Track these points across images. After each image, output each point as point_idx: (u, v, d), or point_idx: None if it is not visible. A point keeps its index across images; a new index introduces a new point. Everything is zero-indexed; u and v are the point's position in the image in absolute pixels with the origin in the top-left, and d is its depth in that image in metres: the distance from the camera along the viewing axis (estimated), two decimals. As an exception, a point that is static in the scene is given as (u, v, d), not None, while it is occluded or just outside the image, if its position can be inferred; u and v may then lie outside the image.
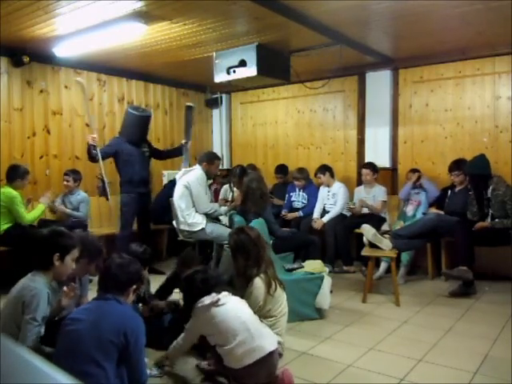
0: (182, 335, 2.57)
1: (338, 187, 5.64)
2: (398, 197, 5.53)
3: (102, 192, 4.82)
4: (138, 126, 5.08)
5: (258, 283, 2.78)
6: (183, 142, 5.34)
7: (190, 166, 5.18)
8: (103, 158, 4.85)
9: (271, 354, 2.38)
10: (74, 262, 2.55)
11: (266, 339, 2.42)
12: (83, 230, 4.19)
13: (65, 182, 5.09)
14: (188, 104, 5.42)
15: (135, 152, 5.06)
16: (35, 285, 2.35)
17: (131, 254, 3.20)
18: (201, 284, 2.51)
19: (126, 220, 5.04)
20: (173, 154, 5.62)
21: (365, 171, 5.46)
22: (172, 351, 2.64)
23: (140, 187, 5.09)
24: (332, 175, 5.72)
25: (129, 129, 5.05)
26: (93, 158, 4.80)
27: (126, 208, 5.03)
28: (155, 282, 3.63)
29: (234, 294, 2.61)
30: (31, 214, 4.59)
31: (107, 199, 4.84)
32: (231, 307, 2.45)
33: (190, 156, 5.90)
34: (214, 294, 2.47)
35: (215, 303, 2.42)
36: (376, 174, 5.47)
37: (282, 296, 2.90)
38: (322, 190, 5.74)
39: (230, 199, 5.23)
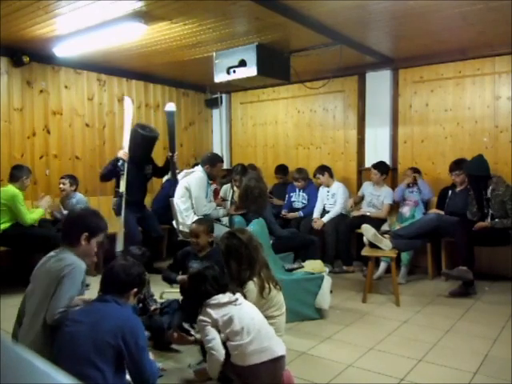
0: (207, 347, 2.38)
1: (337, 187, 5.64)
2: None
3: (118, 207, 4.68)
4: (143, 146, 4.91)
5: (250, 286, 2.75)
6: (169, 155, 5.03)
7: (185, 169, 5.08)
8: (111, 177, 4.81)
9: (280, 358, 2.37)
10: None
11: (276, 343, 2.42)
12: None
13: (61, 186, 5.07)
14: (168, 109, 5.02)
15: (137, 174, 4.94)
16: (72, 260, 2.33)
17: (130, 256, 3.19)
18: (212, 281, 2.48)
19: (132, 233, 4.84)
20: (165, 169, 5.31)
21: (373, 171, 5.43)
22: (212, 367, 2.40)
23: (137, 208, 4.99)
24: (331, 175, 5.71)
25: (133, 148, 4.86)
26: (105, 177, 4.83)
27: (128, 224, 4.80)
28: (155, 282, 3.63)
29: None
30: (32, 216, 4.52)
31: (118, 215, 4.71)
32: (246, 308, 2.46)
33: (190, 157, 5.85)
34: (229, 294, 2.45)
35: (233, 302, 2.41)
36: (384, 175, 5.41)
37: (277, 297, 2.85)
38: (322, 191, 5.74)
39: (229, 199, 5.22)
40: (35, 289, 2.40)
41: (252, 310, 2.49)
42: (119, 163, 4.67)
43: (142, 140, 4.90)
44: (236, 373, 2.33)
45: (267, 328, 2.47)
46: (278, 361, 2.37)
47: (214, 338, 2.34)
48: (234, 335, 2.31)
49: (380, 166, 5.45)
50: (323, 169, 5.71)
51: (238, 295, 2.48)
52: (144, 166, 5.05)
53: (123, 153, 4.69)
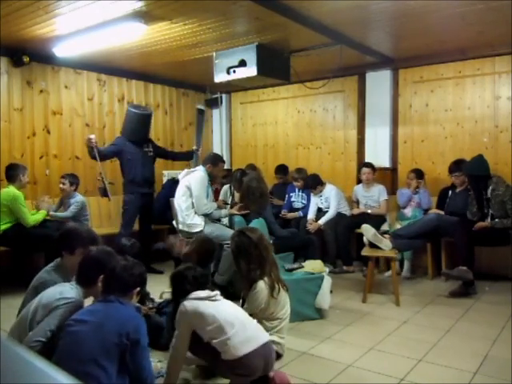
0: (173, 340, 2.46)
1: (329, 190, 5.59)
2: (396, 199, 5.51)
3: (104, 193, 4.83)
4: (139, 124, 5.08)
5: (261, 286, 2.76)
6: (194, 148, 5.38)
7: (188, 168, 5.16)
8: (108, 157, 4.95)
9: (266, 344, 2.41)
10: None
11: (258, 331, 2.47)
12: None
13: (61, 185, 5.08)
14: (199, 107, 5.39)
15: (138, 152, 5.08)
16: (74, 295, 2.32)
17: (119, 247, 3.19)
18: (192, 280, 2.52)
19: (127, 219, 5.06)
20: (182, 157, 5.67)
21: (366, 170, 5.45)
22: (173, 362, 2.47)
23: (143, 187, 5.10)
24: (322, 183, 5.65)
25: (130, 128, 5.05)
26: (94, 156, 4.84)
27: (127, 207, 5.06)
28: (155, 282, 3.63)
29: (234, 293, 2.59)
30: (34, 217, 4.55)
31: (109, 199, 4.87)
32: (225, 304, 2.49)
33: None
34: (208, 291, 2.48)
35: (211, 297, 2.44)
36: (375, 172, 5.48)
37: (285, 298, 2.88)
38: (314, 197, 5.69)
39: (230, 202, 5.23)
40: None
41: (232, 305, 2.52)
42: (90, 150, 4.76)
43: (137, 119, 5.05)
44: (229, 367, 2.33)
45: (250, 320, 2.51)
46: (266, 345, 2.41)
47: (182, 335, 2.38)
48: (217, 332, 2.32)
49: (370, 165, 5.49)
50: (315, 183, 5.61)
51: (217, 292, 2.51)
52: (143, 145, 5.14)
53: (88, 139, 4.77)
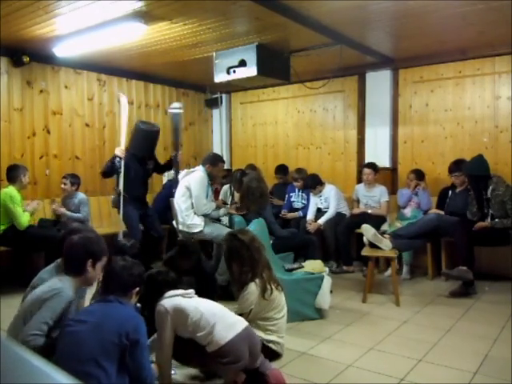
0: (157, 342, 2.47)
1: (328, 190, 5.60)
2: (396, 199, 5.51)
3: (117, 205, 4.71)
4: (145, 141, 4.88)
5: (252, 288, 2.77)
6: (172, 154, 5.04)
7: (188, 169, 5.08)
8: (112, 174, 4.78)
9: (247, 328, 2.46)
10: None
11: (237, 318, 2.51)
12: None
13: (62, 186, 5.08)
14: (174, 111, 4.97)
15: (140, 170, 4.91)
16: (60, 286, 2.33)
17: (118, 248, 3.18)
18: (163, 284, 2.55)
19: (134, 225, 4.86)
20: (166, 168, 5.36)
21: (367, 171, 5.44)
22: (162, 364, 2.46)
23: (139, 204, 4.95)
24: (321, 183, 5.66)
25: (136, 144, 4.86)
26: (106, 174, 4.77)
27: (128, 215, 4.81)
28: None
29: (234, 293, 2.61)
30: (25, 218, 4.46)
31: (118, 213, 4.72)
32: (201, 299, 2.54)
33: (189, 157, 5.80)
34: (181, 290, 2.52)
35: (186, 294, 2.49)
36: (377, 173, 5.47)
37: (278, 298, 2.87)
38: (313, 197, 5.70)
39: (229, 202, 5.22)
40: (27, 297, 2.43)
41: (208, 300, 2.56)
42: (116, 160, 4.67)
43: (145, 135, 4.88)
44: (216, 358, 2.34)
45: (228, 311, 2.55)
46: (247, 330, 2.46)
47: (166, 335, 2.39)
48: (199, 324, 2.35)
49: (373, 165, 5.48)
50: (314, 183, 5.62)
51: (192, 290, 2.55)
52: (147, 162, 5.03)
53: (120, 150, 4.68)
